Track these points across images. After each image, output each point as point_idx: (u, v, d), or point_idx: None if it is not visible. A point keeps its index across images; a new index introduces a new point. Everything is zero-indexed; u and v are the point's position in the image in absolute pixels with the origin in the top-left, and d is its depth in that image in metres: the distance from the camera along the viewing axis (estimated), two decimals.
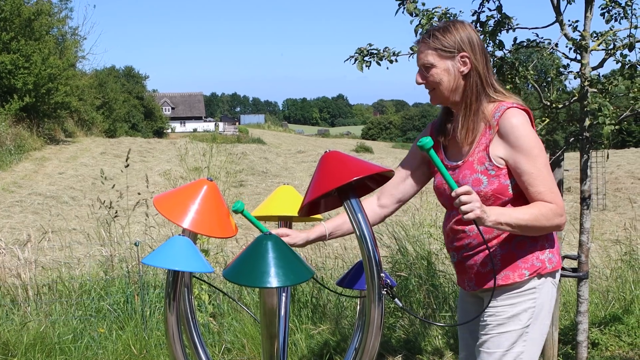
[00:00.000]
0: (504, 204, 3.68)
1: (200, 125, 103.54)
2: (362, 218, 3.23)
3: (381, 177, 3.42)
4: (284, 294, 3.91)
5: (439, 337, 7.66)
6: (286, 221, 4.13)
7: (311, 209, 3.52)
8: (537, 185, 3.60)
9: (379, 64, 6.67)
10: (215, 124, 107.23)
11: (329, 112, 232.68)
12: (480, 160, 3.71)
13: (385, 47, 6.70)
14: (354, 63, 6.62)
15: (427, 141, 3.28)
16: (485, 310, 3.78)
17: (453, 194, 3.36)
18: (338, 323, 7.64)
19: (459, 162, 3.82)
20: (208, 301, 7.58)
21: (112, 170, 24.96)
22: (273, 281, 2.97)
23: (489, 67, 3.82)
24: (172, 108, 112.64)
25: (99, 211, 9.77)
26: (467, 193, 3.34)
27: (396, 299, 3.33)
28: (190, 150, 33.59)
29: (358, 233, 3.22)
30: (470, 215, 3.34)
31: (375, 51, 6.68)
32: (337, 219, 4.06)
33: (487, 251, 3.73)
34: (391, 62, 6.67)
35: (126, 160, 10.02)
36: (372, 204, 4.15)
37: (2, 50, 37.22)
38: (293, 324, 7.56)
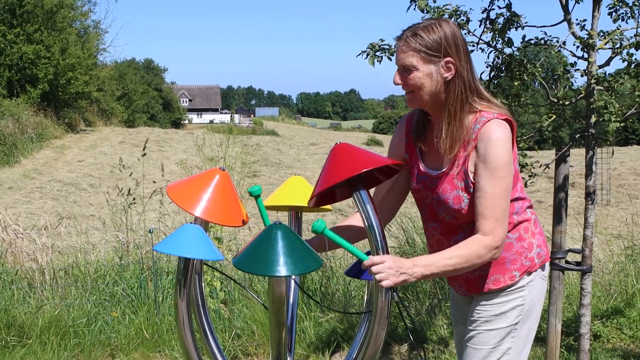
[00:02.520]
0: None
1: (217, 117, 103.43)
2: (370, 209, 3.19)
3: (390, 170, 3.37)
4: (292, 282, 3.87)
5: (444, 326, 7.60)
6: (296, 211, 4.08)
7: (321, 199, 3.46)
8: (485, 208, 3.32)
9: (389, 59, 6.57)
10: (231, 116, 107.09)
11: (341, 106, 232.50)
12: (460, 175, 3.44)
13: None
14: (366, 58, 6.53)
15: (319, 225, 3.13)
16: (475, 308, 3.67)
17: (362, 266, 3.17)
18: (345, 312, 7.55)
19: (439, 173, 3.53)
20: (220, 288, 7.52)
21: (130, 159, 24.63)
22: (282, 270, 2.92)
23: (473, 72, 3.50)
24: (190, 100, 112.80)
25: (115, 198, 9.70)
26: (373, 264, 3.12)
27: (394, 293, 3.24)
28: (207, 141, 33.47)
29: (367, 224, 3.17)
30: (388, 283, 3.09)
31: (386, 46, 6.56)
32: (337, 227, 3.86)
33: None
34: None
35: (143, 150, 9.95)
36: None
37: (26, 41, 37.30)
38: (302, 312, 7.51)
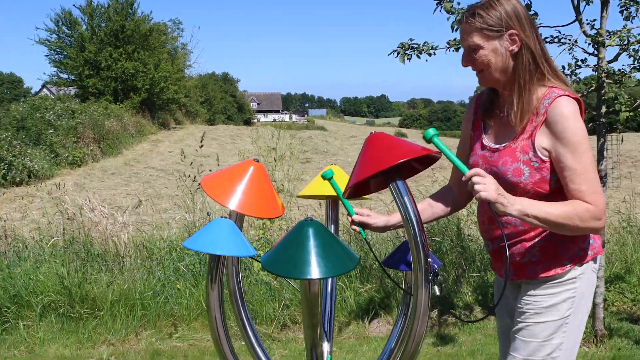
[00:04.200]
0: (541, 199, 2.54)
1: (278, 117, 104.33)
2: (408, 201, 2.27)
3: (427, 159, 2.39)
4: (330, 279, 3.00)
5: (469, 293, 6.75)
6: (333, 200, 3.14)
7: (357, 190, 2.57)
8: (579, 183, 2.49)
9: (418, 57, 5.75)
10: (289, 115, 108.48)
11: (374, 107, 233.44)
12: (523, 148, 2.61)
13: (425, 42, 5.77)
14: (397, 56, 5.70)
15: (429, 131, 2.40)
16: (523, 298, 2.71)
17: (463, 178, 2.40)
18: (382, 282, 6.64)
19: (501, 146, 2.70)
20: None
21: (209, 149, 24.56)
22: (313, 272, 2.07)
23: (541, 42, 2.66)
24: (258, 103, 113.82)
25: (186, 183, 8.88)
26: (477, 174, 2.36)
27: (435, 287, 2.37)
28: (271, 135, 33.16)
29: (404, 216, 2.25)
30: (483, 194, 2.33)
31: (415, 45, 5.80)
32: (419, 206, 2.92)
33: (525, 242, 2.67)
34: (430, 55, 5.71)
35: (201, 141, 9.24)
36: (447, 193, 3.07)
37: (127, 59, 37.85)
38: (343, 283, 6.61)
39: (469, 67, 2.71)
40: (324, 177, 2.80)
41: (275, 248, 2.21)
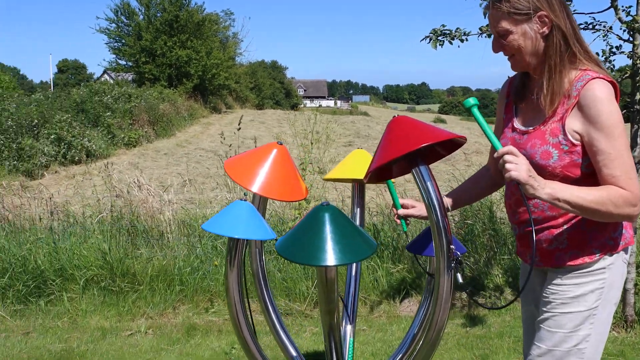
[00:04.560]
0: (570, 183, 2.29)
1: (324, 102, 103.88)
2: (431, 186, 2.10)
3: (452, 144, 2.21)
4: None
5: (499, 275, 6.47)
6: (360, 183, 2.93)
7: (378, 175, 2.39)
8: (613, 168, 2.23)
9: (450, 43, 5.44)
10: (334, 101, 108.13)
11: (415, 94, 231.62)
12: (553, 131, 2.36)
13: (457, 28, 5.46)
14: (429, 42, 5.40)
15: (469, 100, 2.22)
16: (549, 287, 2.46)
17: (495, 155, 2.19)
18: (414, 263, 6.40)
19: (530, 129, 2.46)
20: None
21: (257, 132, 24.55)
22: (329, 259, 1.88)
23: (573, 22, 2.40)
24: (304, 90, 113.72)
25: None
26: (510, 153, 2.15)
27: (458, 274, 2.20)
28: (308, 119, 33.06)
29: (427, 202, 2.12)
30: (513, 174, 2.12)
31: (447, 31, 5.48)
32: (456, 191, 2.85)
33: (553, 229, 2.42)
34: (462, 41, 5.41)
35: (239, 124, 9.06)
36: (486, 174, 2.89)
37: (181, 47, 38.20)
38: (375, 263, 6.36)
39: (501, 53, 2.48)
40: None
41: (290, 233, 2.03)
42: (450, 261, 2.12)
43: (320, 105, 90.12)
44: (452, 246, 2.12)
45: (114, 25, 39.25)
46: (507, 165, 2.13)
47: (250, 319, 2.52)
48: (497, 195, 7.40)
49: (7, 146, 17.45)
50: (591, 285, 2.39)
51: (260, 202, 2.68)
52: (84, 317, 5.74)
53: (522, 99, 2.56)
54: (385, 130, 2.17)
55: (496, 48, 2.47)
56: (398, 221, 2.76)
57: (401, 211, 2.72)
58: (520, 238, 2.59)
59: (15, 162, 17.13)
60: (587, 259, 2.38)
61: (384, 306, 6.04)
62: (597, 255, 2.38)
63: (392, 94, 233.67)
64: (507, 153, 2.14)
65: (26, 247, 6.24)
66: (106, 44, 39.72)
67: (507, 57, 2.48)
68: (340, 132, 26.69)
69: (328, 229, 1.93)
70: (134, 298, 5.92)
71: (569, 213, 2.35)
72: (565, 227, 2.40)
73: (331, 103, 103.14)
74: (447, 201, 2.78)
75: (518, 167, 2.12)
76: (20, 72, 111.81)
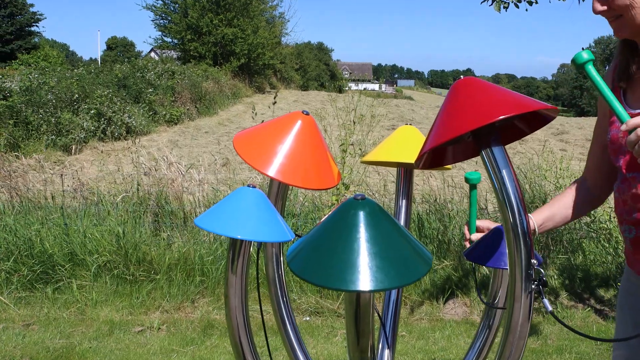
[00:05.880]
0: None
1: (369, 86, 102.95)
2: (507, 174, 1.37)
3: (537, 120, 1.48)
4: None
5: (555, 277, 5.74)
6: (406, 168, 2.21)
7: (434, 158, 1.60)
8: None
9: (517, 6, 4.63)
10: (379, 85, 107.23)
11: None
12: None
13: None
14: (491, 4, 4.60)
15: (581, 54, 1.47)
16: None
17: (623, 127, 1.50)
18: (461, 259, 5.66)
19: None
20: None
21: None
22: (363, 282, 1.13)
23: None
24: (350, 73, 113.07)
25: None
26: None
27: (545, 300, 1.41)
28: (351, 97, 32.80)
29: (501, 196, 1.37)
30: None
31: None
32: (546, 209, 2.04)
33: None
34: (530, 3, 4.59)
35: (274, 98, 8.51)
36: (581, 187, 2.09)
37: (227, 25, 37.63)
38: None
39: (600, 15, 1.77)
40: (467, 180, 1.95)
41: (307, 239, 1.31)
42: (531, 280, 1.43)
43: (365, 89, 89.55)
44: (533, 260, 1.44)
45: (160, 2, 39.02)
46: None
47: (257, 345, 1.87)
48: (551, 187, 6.65)
49: (46, 120, 17.05)
50: None
51: (280, 190, 2.00)
52: (94, 307, 5.15)
53: (627, 77, 1.87)
54: (448, 95, 1.46)
55: (601, 4, 1.76)
56: (467, 244, 2.03)
57: (474, 236, 1.99)
58: (635, 241, 1.89)
59: (53, 137, 16.74)
60: None
61: (426, 307, 5.36)
62: None
63: (437, 79, 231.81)
64: (638, 125, 1.47)
65: (34, 227, 5.64)
66: (152, 20, 39.48)
67: (609, 20, 1.79)
68: (384, 115, 26.04)
69: (363, 235, 1.19)
70: (149, 288, 5.29)
71: None
72: None
73: (376, 86, 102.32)
74: (536, 220, 2.03)
75: None
76: (70, 49, 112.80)
